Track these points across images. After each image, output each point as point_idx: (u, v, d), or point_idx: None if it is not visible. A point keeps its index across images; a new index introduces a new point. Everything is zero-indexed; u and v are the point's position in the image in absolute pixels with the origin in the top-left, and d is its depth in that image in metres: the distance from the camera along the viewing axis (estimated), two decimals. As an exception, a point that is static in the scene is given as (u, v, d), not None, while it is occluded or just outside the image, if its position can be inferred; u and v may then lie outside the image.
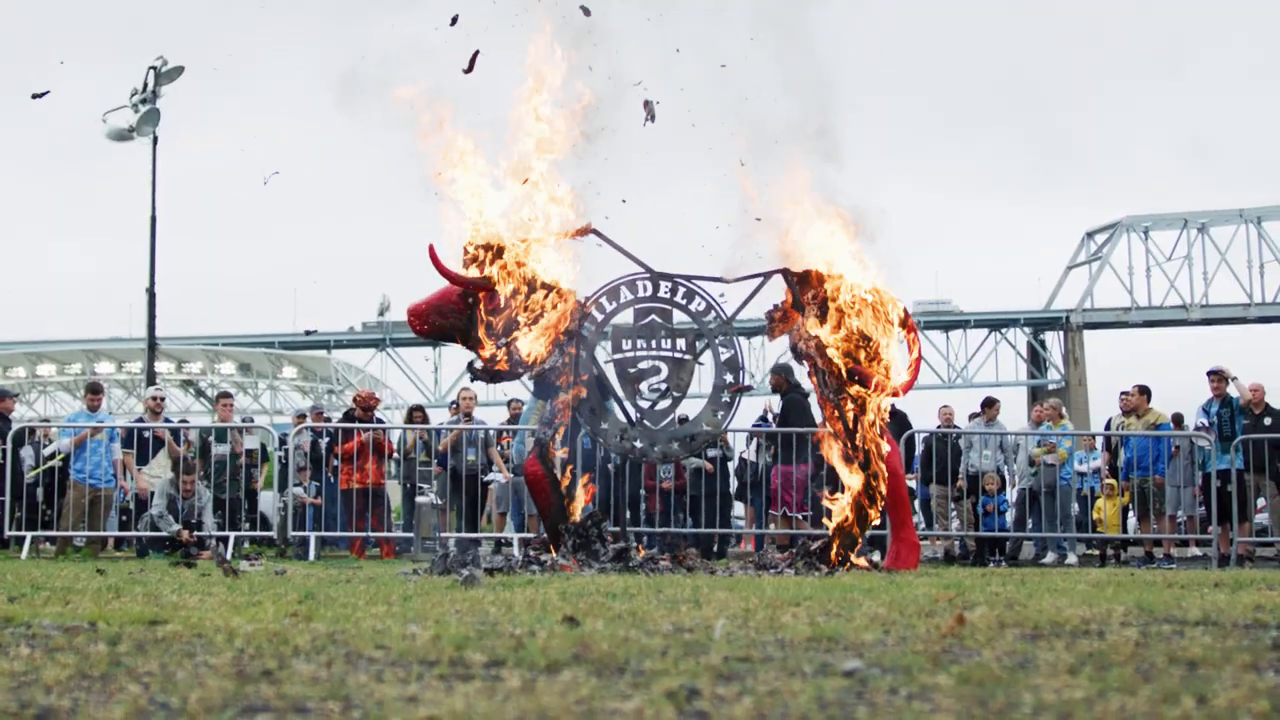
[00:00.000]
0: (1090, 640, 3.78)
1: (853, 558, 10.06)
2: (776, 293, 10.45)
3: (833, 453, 10.20)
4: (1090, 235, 63.60)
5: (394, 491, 16.13)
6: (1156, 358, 72.91)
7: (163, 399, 16.35)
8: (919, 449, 16.02)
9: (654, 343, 10.58)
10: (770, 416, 15.89)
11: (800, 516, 14.45)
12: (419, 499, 13.63)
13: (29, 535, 13.70)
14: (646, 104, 9.75)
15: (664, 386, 10.55)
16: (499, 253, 9.55)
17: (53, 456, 14.52)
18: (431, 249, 9.27)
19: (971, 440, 15.46)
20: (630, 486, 14.26)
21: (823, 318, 10.05)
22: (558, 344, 9.82)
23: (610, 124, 9.68)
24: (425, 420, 16.41)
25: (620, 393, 10.55)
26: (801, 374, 10.75)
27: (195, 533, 13.68)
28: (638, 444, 10.50)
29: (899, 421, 13.94)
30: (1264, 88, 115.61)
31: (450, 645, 3.51)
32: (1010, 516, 15.52)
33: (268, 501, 15.72)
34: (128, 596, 5.76)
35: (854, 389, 9.99)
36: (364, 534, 14.53)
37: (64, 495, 14.13)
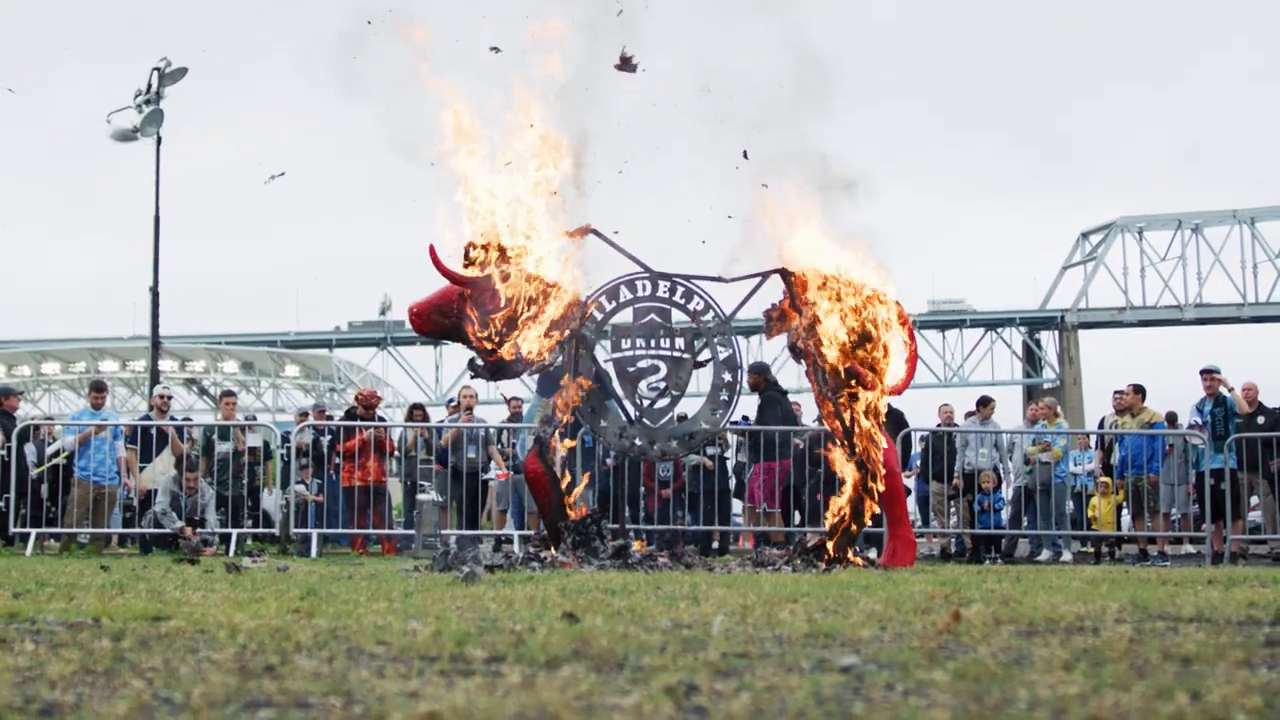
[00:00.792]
0: (1085, 637, 3.78)
1: (850, 555, 10.07)
2: (774, 292, 10.46)
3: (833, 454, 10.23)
4: (1085, 236, 63.62)
5: (395, 489, 16.13)
6: (1150, 357, 72.86)
7: (169, 397, 16.38)
8: (917, 447, 16.04)
9: (653, 342, 10.59)
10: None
11: (775, 512, 14.57)
12: (420, 496, 13.63)
13: (33, 532, 13.70)
14: (625, 59, 9.66)
15: (663, 385, 10.56)
16: (500, 252, 9.54)
17: (57, 454, 14.52)
18: (432, 249, 9.27)
19: (968, 438, 15.46)
20: (630, 484, 14.26)
21: (820, 317, 10.06)
22: (559, 342, 9.83)
23: (610, 123, 9.69)
24: (426, 418, 16.41)
25: (620, 391, 10.56)
26: (799, 372, 10.75)
27: (198, 529, 13.68)
28: (637, 441, 10.50)
29: (896, 420, 13.95)
30: (1257, 91, 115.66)
31: (451, 641, 3.52)
32: (1006, 514, 15.53)
33: (270, 499, 15.72)
34: (131, 593, 5.76)
35: (851, 387, 10.00)
36: (365, 531, 14.53)
37: (68, 492, 14.13)
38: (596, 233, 10.05)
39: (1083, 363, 62.29)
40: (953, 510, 15.70)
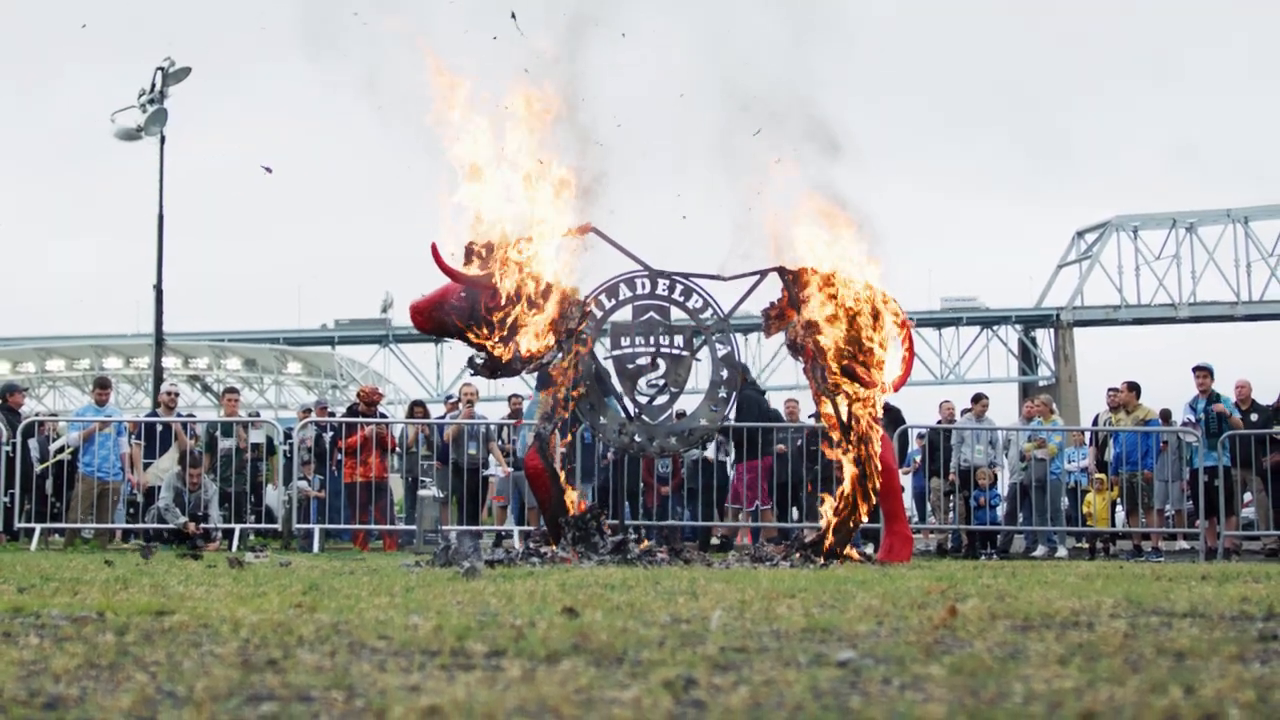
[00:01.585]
0: (1080, 631, 3.78)
1: (847, 550, 10.07)
2: (773, 290, 10.47)
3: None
4: (1080, 234, 63.59)
5: (396, 485, 16.13)
6: (1145, 355, 72.86)
7: (176, 394, 16.41)
8: (915, 444, 16.06)
9: (652, 339, 10.59)
10: None
11: (768, 508, 14.61)
12: (421, 492, 13.63)
13: (38, 527, 13.71)
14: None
15: (662, 382, 10.56)
16: (500, 250, 9.54)
17: (61, 450, 14.52)
18: (434, 247, 9.26)
19: (964, 435, 15.47)
20: (629, 480, 14.26)
21: (817, 315, 10.06)
22: (558, 340, 9.83)
23: (610, 121, 9.68)
24: (427, 415, 16.42)
25: (619, 388, 10.56)
26: (797, 369, 10.75)
27: (201, 525, 13.69)
28: (636, 438, 10.50)
29: (893, 417, 13.95)
30: (1251, 89, 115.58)
31: (452, 636, 3.52)
32: (1001, 510, 15.54)
33: (273, 495, 15.73)
34: (135, 587, 5.76)
35: (848, 385, 10.00)
36: (367, 527, 14.53)
37: (72, 488, 14.13)
38: (596, 231, 10.05)
39: (1078, 360, 62.27)
40: (949, 506, 15.71)
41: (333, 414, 17.11)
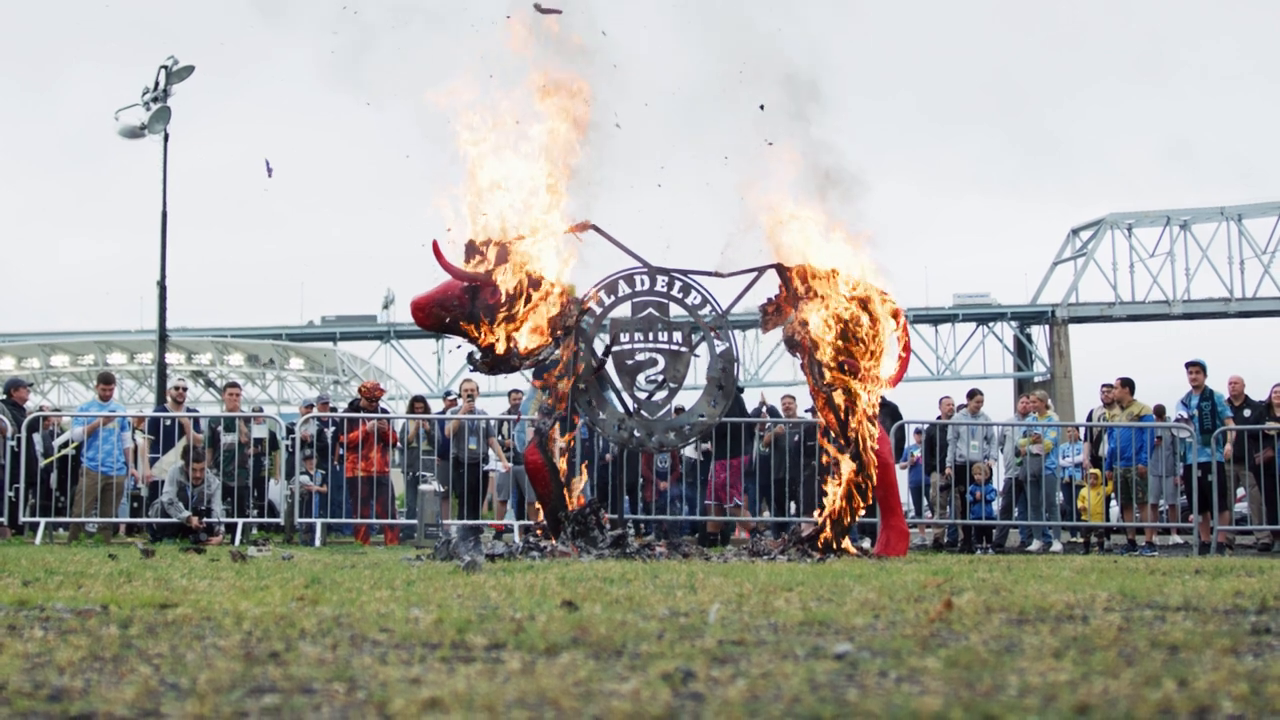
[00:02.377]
0: (1074, 625, 3.78)
1: (844, 545, 10.08)
2: (770, 287, 10.46)
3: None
4: (1075, 232, 63.58)
5: (398, 480, 16.13)
6: (1139, 351, 72.87)
7: (185, 389, 16.42)
8: (912, 440, 16.08)
9: (651, 336, 10.59)
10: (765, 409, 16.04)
11: (740, 505, 14.62)
12: (422, 487, 13.63)
13: (43, 521, 13.70)
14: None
15: (661, 378, 10.56)
16: (501, 248, 9.54)
17: (66, 445, 14.52)
18: (435, 244, 9.26)
19: (959, 430, 15.48)
20: (628, 475, 14.27)
21: (815, 311, 10.06)
22: (555, 337, 9.83)
23: (610, 120, 9.68)
24: (427, 410, 16.42)
25: (618, 384, 10.56)
26: (794, 365, 10.75)
27: (204, 519, 13.69)
28: (635, 433, 10.50)
29: (890, 412, 13.96)
30: (1244, 88, 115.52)
31: (452, 628, 3.52)
32: (997, 505, 15.55)
33: (275, 489, 15.73)
34: (139, 581, 5.76)
35: (846, 380, 10.00)
36: (368, 521, 14.53)
37: (76, 483, 14.13)
38: (596, 228, 10.05)
39: (1073, 357, 62.28)
40: (945, 501, 15.72)
41: (334, 409, 17.10)
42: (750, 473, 15.06)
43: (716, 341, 10.65)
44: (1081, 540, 15.59)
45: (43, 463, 14.33)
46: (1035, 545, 15.05)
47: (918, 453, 16.22)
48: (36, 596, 4.64)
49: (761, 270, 10.42)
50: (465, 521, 13.86)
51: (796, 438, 14.51)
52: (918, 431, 16.22)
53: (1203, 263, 60.97)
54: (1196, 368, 14.79)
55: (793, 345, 10.37)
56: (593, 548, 9.28)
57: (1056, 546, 14.89)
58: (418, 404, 16.70)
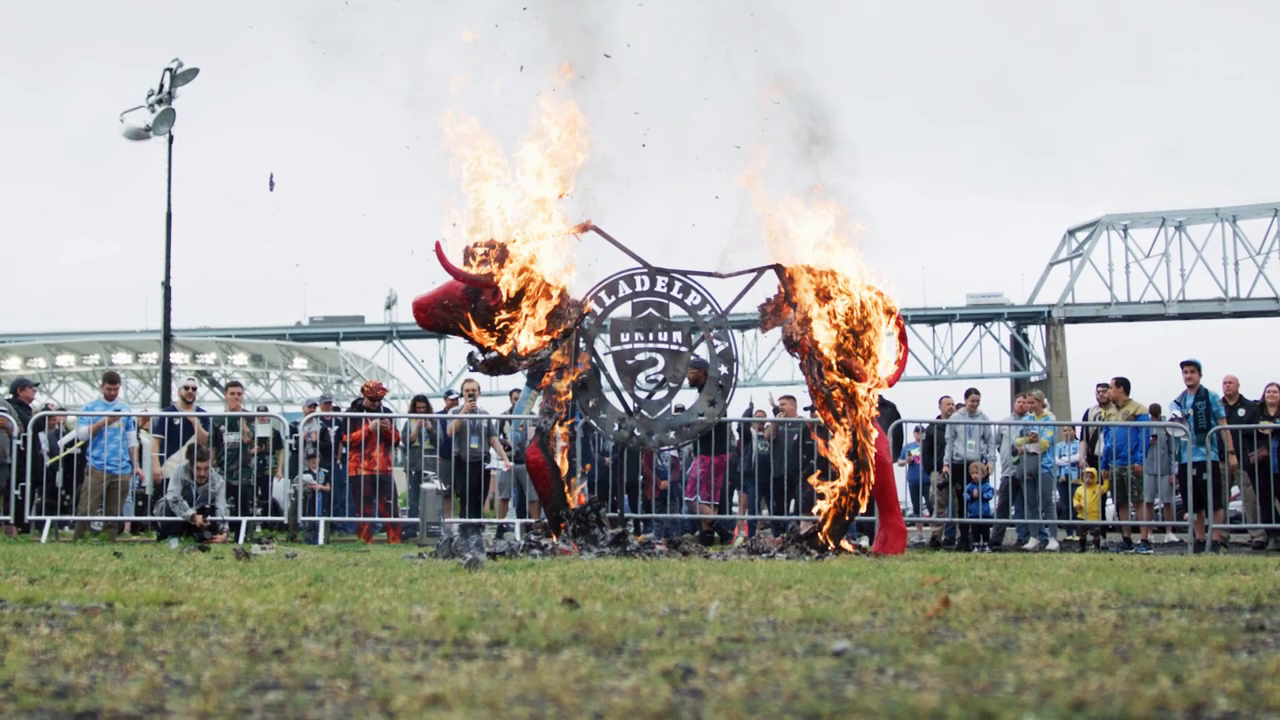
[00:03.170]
0: (1070, 622, 3.78)
1: (842, 543, 10.08)
2: (769, 287, 10.47)
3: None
4: (1072, 233, 63.60)
5: (400, 478, 16.12)
6: (1135, 351, 72.87)
7: (194, 389, 16.43)
8: (911, 438, 16.07)
9: (651, 335, 10.59)
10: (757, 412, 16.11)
11: (710, 504, 14.63)
12: (424, 485, 13.63)
13: (48, 519, 13.70)
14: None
15: (660, 377, 10.56)
16: (502, 250, 9.54)
17: (71, 444, 14.52)
18: (438, 246, 9.27)
19: (956, 430, 15.47)
20: (629, 473, 14.27)
21: (814, 312, 10.07)
22: (554, 338, 9.83)
23: (609, 118, 9.68)
24: (429, 410, 16.41)
25: (618, 383, 10.56)
26: (793, 365, 10.75)
27: (208, 518, 13.68)
28: (635, 432, 10.50)
29: (888, 411, 13.95)
30: (1238, 89, 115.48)
31: (454, 626, 3.52)
32: (994, 504, 15.55)
33: (279, 488, 15.73)
34: (144, 578, 5.76)
35: (844, 380, 10.00)
36: (371, 519, 14.53)
37: (82, 481, 14.13)
38: (596, 229, 10.05)
39: (1069, 357, 62.30)
40: (943, 500, 15.72)
41: (338, 409, 17.10)
42: (749, 471, 15.06)
43: (716, 341, 10.65)
44: (1077, 538, 15.58)
45: (48, 461, 14.33)
46: (1032, 543, 15.04)
47: (916, 451, 16.22)
48: (42, 594, 4.65)
49: (760, 271, 10.42)
50: (467, 520, 13.86)
51: (795, 436, 14.51)
52: (918, 430, 16.21)
53: (1197, 263, 61.02)
54: (1191, 367, 14.79)
55: (791, 345, 10.37)
56: (593, 546, 9.28)
57: (1053, 545, 14.88)
58: (420, 403, 16.70)
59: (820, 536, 9.95)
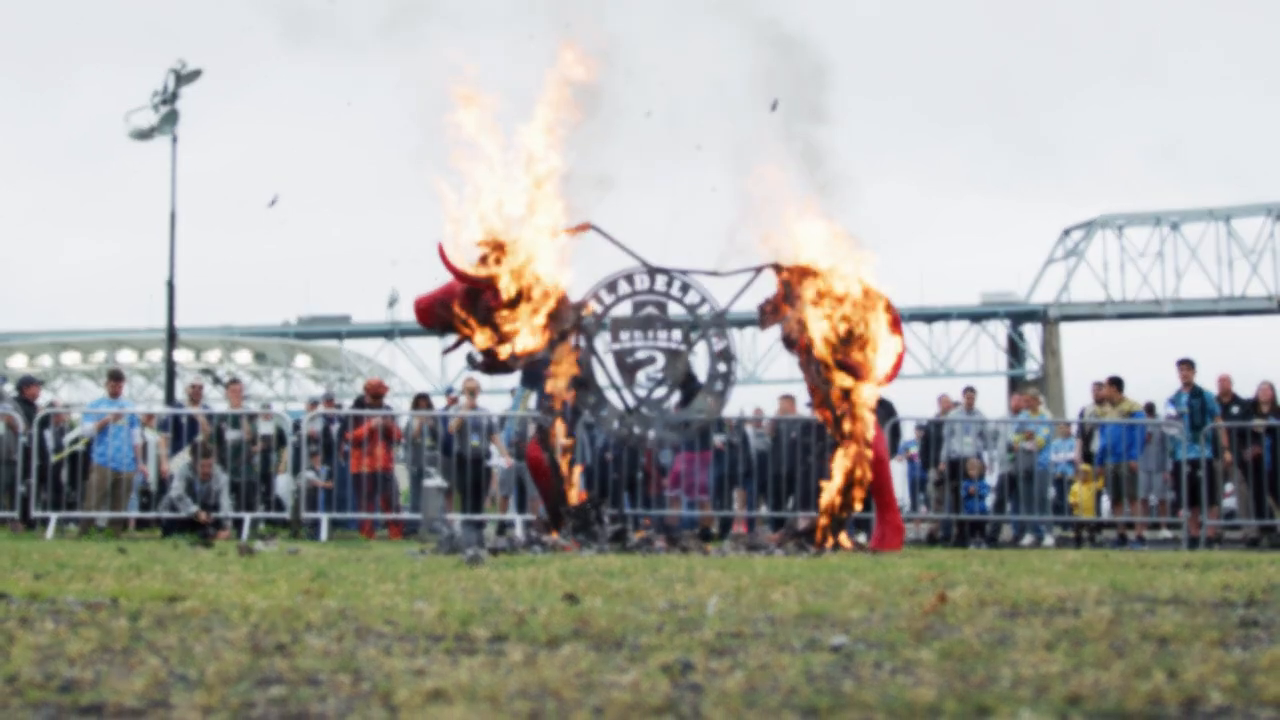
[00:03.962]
0: (1066, 618, 3.78)
1: (840, 539, 10.08)
2: (768, 286, 10.47)
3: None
4: (1067, 232, 63.57)
5: (402, 475, 16.12)
6: (1130, 349, 72.75)
7: (200, 387, 16.47)
8: (911, 435, 16.09)
9: (651, 334, 10.59)
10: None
11: (703, 499, 14.63)
12: (426, 482, 13.63)
13: (54, 516, 13.70)
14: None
15: (660, 375, 10.56)
16: (503, 250, 9.55)
17: (77, 441, 14.52)
18: (441, 248, 9.28)
19: (953, 427, 15.48)
20: (628, 470, 14.27)
21: (812, 310, 10.07)
22: (551, 340, 9.83)
23: (610, 118, 9.68)
24: (430, 407, 16.42)
25: (618, 381, 10.56)
26: (792, 363, 10.75)
27: (212, 514, 13.68)
28: (636, 430, 10.51)
29: (885, 409, 13.96)
30: (1232, 90, 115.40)
31: (455, 621, 3.52)
32: (990, 500, 15.55)
33: (282, 485, 15.73)
34: (148, 574, 5.76)
35: (842, 378, 10.01)
36: (373, 516, 14.53)
37: (87, 478, 14.13)
38: (596, 228, 10.05)
39: (1065, 355, 62.27)
40: (940, 497, 15.72)
41: (340, 406, 17.11)
42: (748, 469, 15.06)
43: (715, 339, 10.66)
44: (1073, 535, 15.58)
45: (54, 458, 14.34)
46: (1027, 540, 15.04)
47: (914, 449, 16.22)
48: (48, 589, 4.65)
49: (759, 269, 10.42)
50: (468, 516, 13.86)
51: (794, 434, 14.51)
52: (919, 428, 16.22)
53: (1192, 262, 60.99)
54: (1186, 365, 14.80)
55: (790, 343, 10.37)
56: (593, 542, 9.28)
57: (1048, 541, 14.89)
58: (422, 401, 16.71)
59: (818, 533, 9.95)
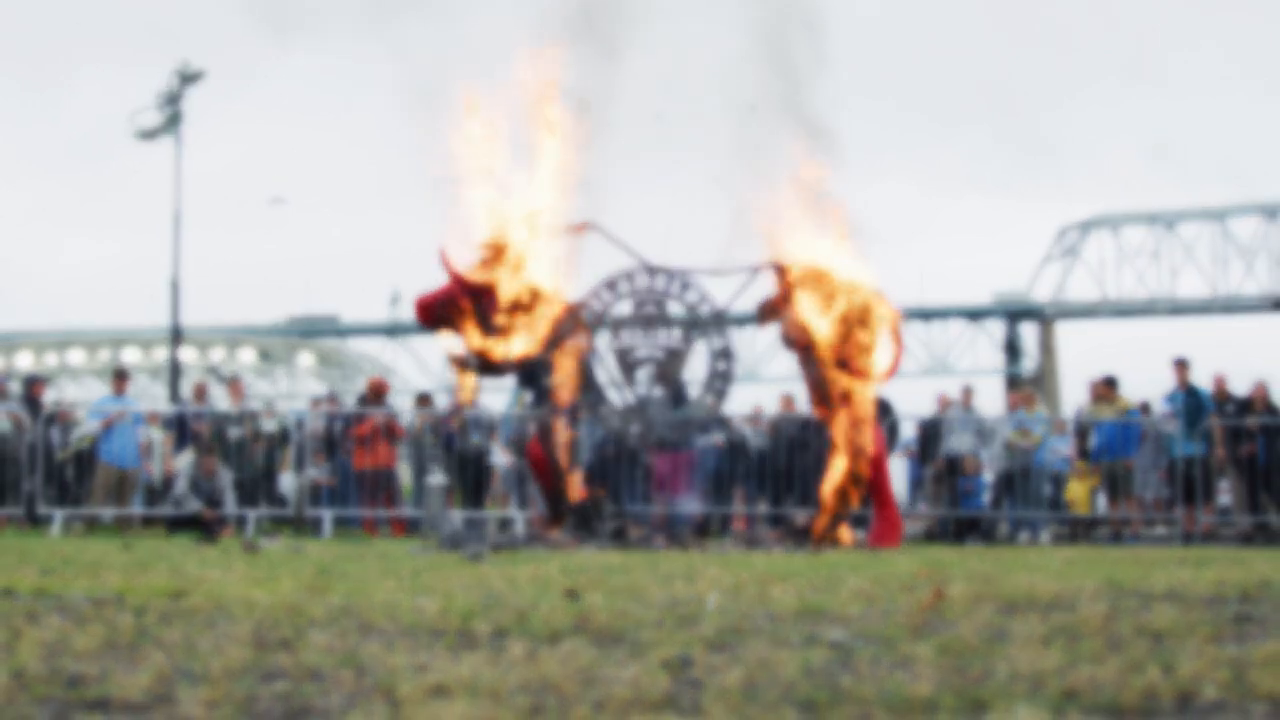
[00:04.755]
0: (1062, 613, 3.78)
1: (838, 536, 10.08)
2: (767, 285, 10.47)
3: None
4: (1064, 231, 63.55)
5: (404, 472, 16.12)
6: (1126, 347, 72.65)
7: (206, 385, 16.52)
8: (910, 433, 16.08)
9: (650, 332, 10.59)
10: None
11: (686, 500, 14.61)
12: (428, 480, 13.63)
13: (59, 513, 13.70)
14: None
15: (660, 374, 10.56)
16: (503, 252, 9.55)
17: (82, 439, 14.52)
18: (443, 251, 9.30)
19: (952, 425, 15.47)
20: (628, 467, 14.26)
21: (811, 309, 10.07)
22: (549, 342, 9.83)
23: (609, 118, 9.68)
24: (432, 406, 16.42)
25: (618, 379, 10.56)
26: (791, 362, 10.76)
27: (216, 511, 13.68)
28: (634, 427, 10.51)
29: (882, 407, 13.95)
30: (1228, 90, 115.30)
31: (457, 617, 3.52)
32: (987, 497, 15.55)
33: (286, 482, 15.73)
34: (153, 571, 5.76)
35: (840, 376, 10.01)
36: (376, 513, 14.54)
37: (92, 476, 14.13)
38: (596, 227, 10.05)
39: (1061, 353, 62.22)
40: (937, 494, 15.71)
41: (343, 404, 17.11)
42: (749, 469, 15.04)
43: (714, 338, 10.66)
44: (1069, 531, 15.58)
45: (60, 456, 14.34)
46: (1024, 537, 15.04)
47: (911, 447, 16.21)
48: (54, 586, 4.65)
49: (759, 268, 10.42)
50: (470, 513, 13.86)
51: (793, 432, 14.49)
52: (920, 425, 16.21)
53: (1187, 262, 60.94)
54: (1181, 364, 14.80)
55: (789, 342, 10.37)
56: (593, 539, 9.28)
57: (1044, 538, 14.89)
58: (424, 399, 16.71)
59: (816, 530, 9.95)
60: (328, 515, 14.03)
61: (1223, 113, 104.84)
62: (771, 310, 10.47)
